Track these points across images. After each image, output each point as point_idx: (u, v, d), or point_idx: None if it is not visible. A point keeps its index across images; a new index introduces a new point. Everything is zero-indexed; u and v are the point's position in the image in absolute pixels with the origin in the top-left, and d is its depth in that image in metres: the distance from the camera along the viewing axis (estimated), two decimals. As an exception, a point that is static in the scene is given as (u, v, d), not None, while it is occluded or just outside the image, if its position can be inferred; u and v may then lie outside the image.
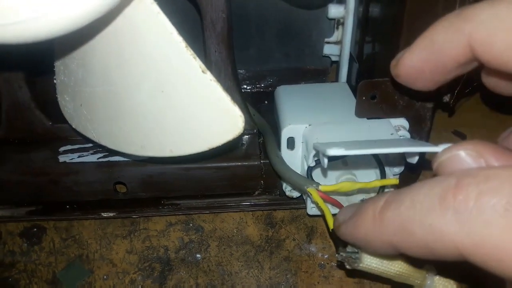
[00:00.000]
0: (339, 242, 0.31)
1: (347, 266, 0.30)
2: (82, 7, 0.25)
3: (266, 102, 0.55)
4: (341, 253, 0.30)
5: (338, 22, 0.53)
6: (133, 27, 0.33)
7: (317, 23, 0.54)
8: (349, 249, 0.30)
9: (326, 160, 0.33)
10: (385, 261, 0.30)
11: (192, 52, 0.32)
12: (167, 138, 0.37)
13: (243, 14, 0.53)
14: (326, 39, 0.54)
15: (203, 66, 0.32)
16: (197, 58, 0.32)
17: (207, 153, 0.36)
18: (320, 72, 0.57)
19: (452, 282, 0.31)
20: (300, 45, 0.56)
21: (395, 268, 0.30)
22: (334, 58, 0.55)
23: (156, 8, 0.32)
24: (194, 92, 0.34)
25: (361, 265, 0.30)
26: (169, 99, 0.35)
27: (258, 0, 0.53)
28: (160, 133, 0.37)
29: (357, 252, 0.30)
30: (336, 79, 0.57)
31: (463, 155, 0.21)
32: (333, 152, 0.31)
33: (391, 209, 0.21)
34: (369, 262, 0.30)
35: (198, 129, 0.35)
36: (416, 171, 0.46)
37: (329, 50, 0.55)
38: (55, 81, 0.44)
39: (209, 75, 0.33)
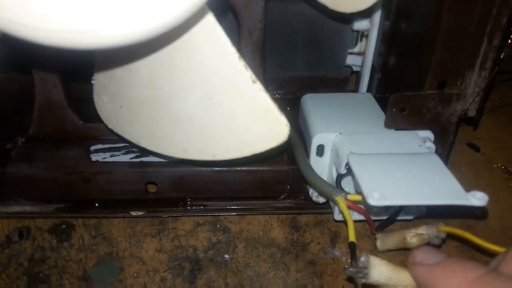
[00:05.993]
0: (355, 255, 0.33)
1: (356, 282, 0.32)
2: (163, 18, 0.26)
3: (288, 108, 0.57)
4: (350, 269, 0.32)
5: (362, 34, 0.54)
6: (187, 36, 0.34)
7: (341, 34, 0.56)
8: (360, 263, 0.32)
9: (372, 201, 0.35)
10: (393, 277, 0.31)
11: (244, 62, 0.34)
12: (211, 143, 0.38)
13: (270, 22, 0.54)
14: (349, 50, 0.56)
15: (253, 76, 0.34)
16: (248, 68, 0.34)
17: (248, 158, 0.38)
18: (341, 81, 0.59)
19: None
20: (323, 55, 0.57)
21: (404, 283, 0.32)
22: (355, 69, 0.57)
23: (212, 19, 0.33)
24: (242, 100, 0.35)
25: (369, 280, 0.32)
26: (217, 106, 0.36)
27: (285, 11, 0.54)
28: (204, 138, 0.38)
29: (366, 268, 0.32)
30: (355, 89, 0.59)
31: None
32: (375, 202, 0.34)
33: None
34: (378, 278, 0.31)
35: (243, 135, 0.37)
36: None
37: (351, 60, 0.56)
38: (92, 82, 0.45)
39: (258, 85, 0.34)
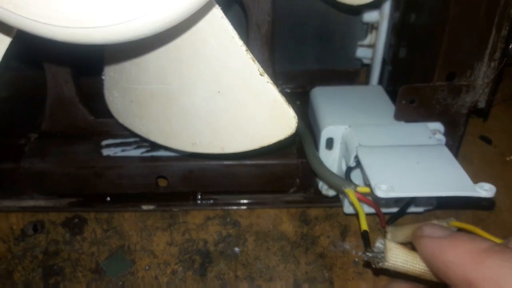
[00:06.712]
0: (369, 243, 0.33)
1: (373, 266, 0.32)
2: (174, 11, 0.27)
3: (298, 102, 0.57)
4: (368, 253, 0.32)
5: (372, 26, 0.54)
6: (195, 30, 0.34)
7: (350, 27, 0.55)
8: (376, 249, 0.32)
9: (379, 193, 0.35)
10: (409, 261, 0.31)
11: (251, 55, 0.34)
12: (220, 136, 0.38)
13: (279, 15, 0.54)
14: (359, 42, 0.56)
15: (261, 69, 0.34)
16: (256, 61, 0.34)
17: (256, 151, 0.38)
18: (351, 74, 0.59)
19: None
20: (333, 48, 0.57)
21: (419, 267, 0.31)
22: (366, 61, 0.57)
23: (220, 13, 0.33)
24: (250, 93, 0.35)
25: (386, 264, 0.31)
26: (225, 100, 0.36)
27: (293, 3, 0.54)
28: (213, 131, 0.38)
29: (383, 252, 0.31)
30: (366, 82, 0.59)
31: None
32: (382, 194, 0.34)
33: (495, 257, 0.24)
34: (394, 261, 0.31)
35: (251, 128, 0.37)
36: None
37: (361, 53, 0.56)
38: (103, 77, 0.45)
39: (266, 78, 0.34)
